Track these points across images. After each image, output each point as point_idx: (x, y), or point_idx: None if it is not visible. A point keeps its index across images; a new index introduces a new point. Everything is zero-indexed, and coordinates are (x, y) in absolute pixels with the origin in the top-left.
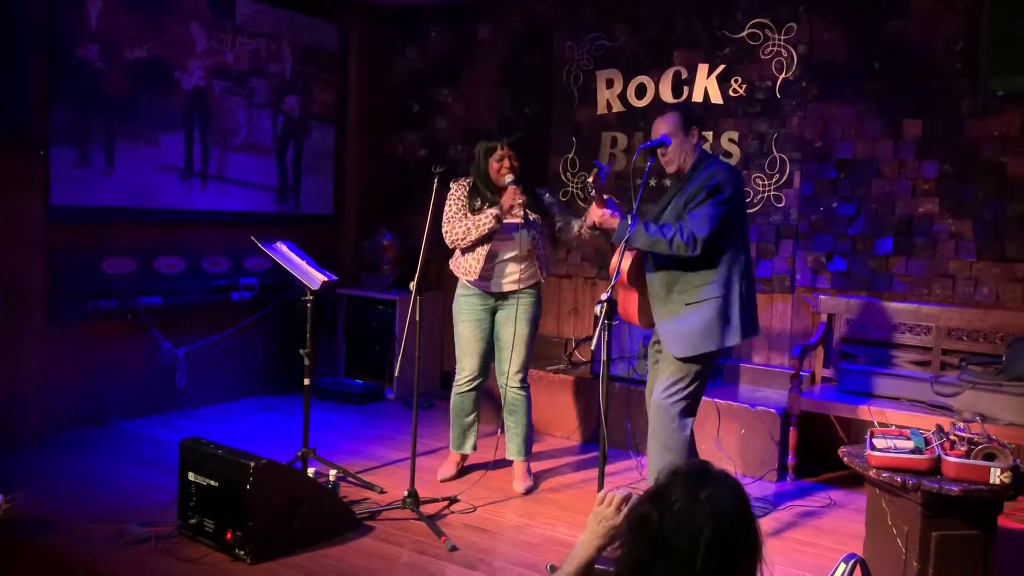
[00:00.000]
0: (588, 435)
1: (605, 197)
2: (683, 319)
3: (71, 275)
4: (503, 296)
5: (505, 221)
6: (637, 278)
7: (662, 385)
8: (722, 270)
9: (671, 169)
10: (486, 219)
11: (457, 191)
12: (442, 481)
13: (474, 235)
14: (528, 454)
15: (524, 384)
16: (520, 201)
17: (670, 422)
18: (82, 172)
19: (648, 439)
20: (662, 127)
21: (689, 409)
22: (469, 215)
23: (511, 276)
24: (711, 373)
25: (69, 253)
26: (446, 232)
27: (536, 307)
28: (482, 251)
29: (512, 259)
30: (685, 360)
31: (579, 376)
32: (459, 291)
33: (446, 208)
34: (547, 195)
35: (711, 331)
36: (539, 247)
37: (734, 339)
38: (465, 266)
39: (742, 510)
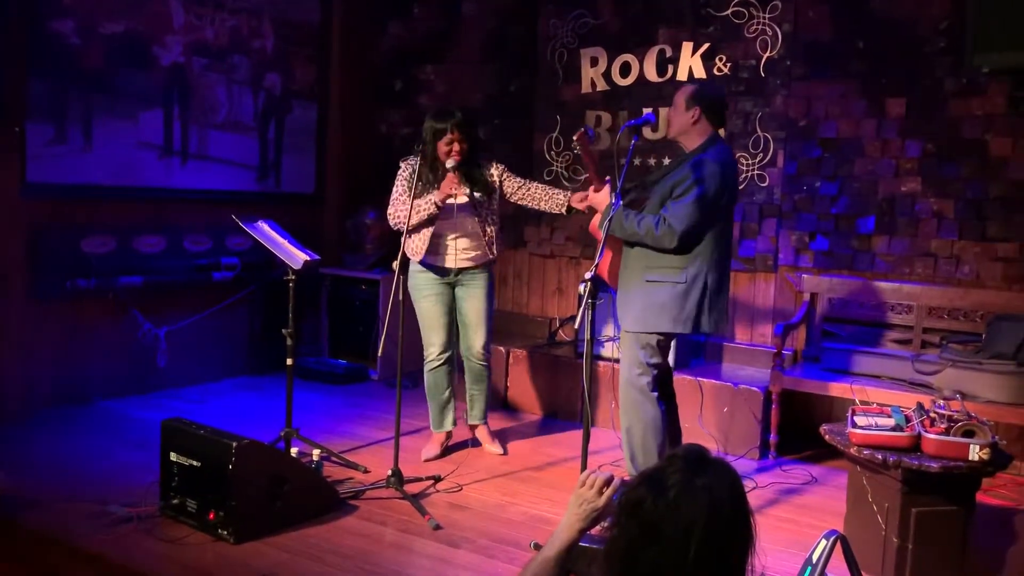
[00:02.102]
0: (571, 413)
1: (606, 179)
2: (640, 293)
3: (50, 254)
4: (457, 272)
5: (448, 202)
6: (613, 243)
7: (626, 362)
8: (693, 259)
9: (670, 133)
10: (425, 205)
11: (405, 171)
12: (426, 461)
13: (414, 220)
14: (487, 417)
15: (488, 356)
16: (457, 192)
17: (638, 395)
18: (59, 149)
19: (620, 416)
20: (677, 94)
21: (656, 381)
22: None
23: (463, 254)
24: (691, 346)
25: (47, 231)
26: (390, 214)
27: (491, 284)
28: (426, 233)
29: (460, 237)
30: (637, 333)
31: (562, 355)
32: (414, 268)
33: (393, 188)
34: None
35: (662, 313)
36: (486, 225)
37: (684, 328)
38: (412, 247)
39: (738, 501)
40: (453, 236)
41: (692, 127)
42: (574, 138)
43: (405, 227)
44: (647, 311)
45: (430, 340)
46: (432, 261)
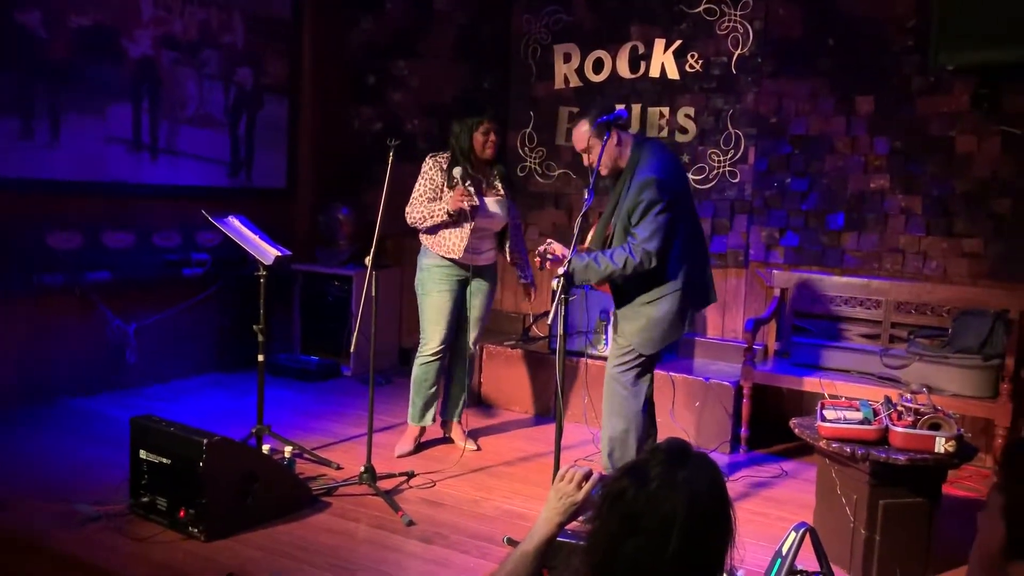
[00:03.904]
0: (544, 409)
1: (550, 257)
2: (643, 315)
3: (15, 250)
4: (476, 269)
5: (492, 209)
6: (586, 236)
7: (614, 356)
8: (674, 262)
9: (605, 172)
10: (439, 213)
11: (431, 169)
12: (399, 457)
13: (428, 224)
14: (462, 415)
15: (473, 352)
16: (466, 205)
17: (621, 390)
18: (25, 144)
19: (602, 409)
20: (578, 141)
21: (640, 377)
22: (445, 189)
23: (486, 252)
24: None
25: (12, 227)
26: (407, 212)
27: (496, 279)
28: (465, 231)
29: (486, 236)
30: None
31: (536, 351)
32: (431, 261)
33: (416, 184)
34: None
35: (674, 323)
36: (515, 220)
37: (690, 323)
38: (448, 245)
39: (718, 495)
40: (480, 235)
41: (618, 149)
42: (536, 262)
43: (419, 227)
44: (656, 328)
45: (432, 334)
46: (459, 257)
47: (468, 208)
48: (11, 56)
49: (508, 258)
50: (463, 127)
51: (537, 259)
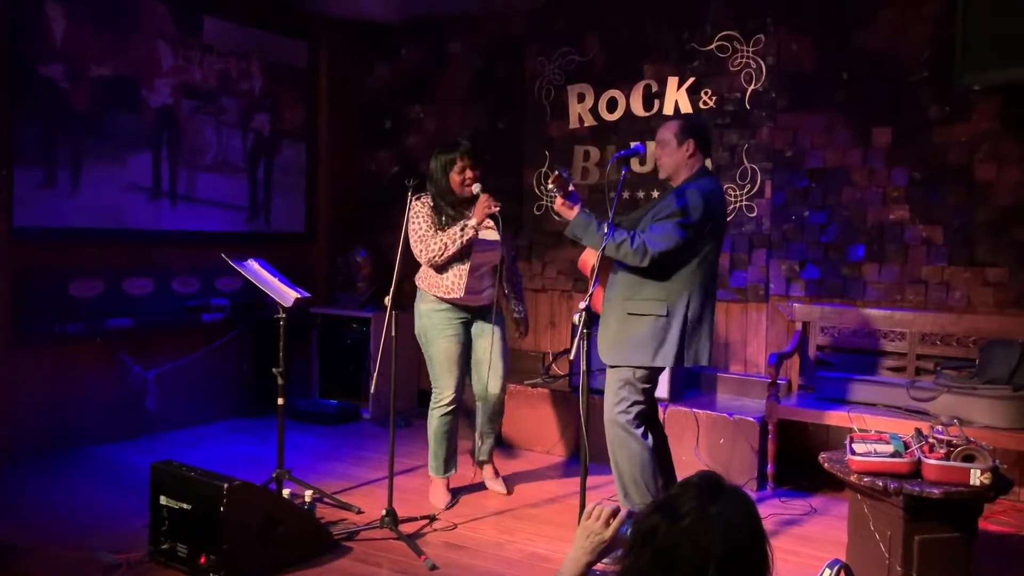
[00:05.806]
0: (568, 449)
1: (571, 189)
2: (620, 326)
3: (37, 298)
4: (477, 310)
5: (483, 237)
6: (604, 274)
7: (609, 399)
8: (675, 291)
9: (662, 174)
10: (465, 231)
11: (423, 208)
12: (447, 509)
13: (452, 250)
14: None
15: (504, 393)
16: (495, 208)
17: (621, 432)
18: (47, 193)
19: (609, 453)
20: (660, 133)
21: (641, 417)
22: (439, 232)
23: (485, 291)
24: (686, 377)
25: (35, 276)
26: (420, 251)
27: (504, 320)
28: (463, 268)
29: (484, 273)
30: (615, 367)
31: (558, 389)
32: (429, 307)
33: (413, 226)
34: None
35: (642, 347)
36: (509, 256)
37: (665, 362)
38: (446, 285)
39: (753, 527)
40: (477, 273)
41: (687, 161)
42: (550, 183)
43: (440, 260)
44: (623, 344)
45: (445, 383)
46: (457, 299)
47: (496, 210)
48: (34, 107)
49: (504, 289)
50: (437, 164)
51: (553, 178)
